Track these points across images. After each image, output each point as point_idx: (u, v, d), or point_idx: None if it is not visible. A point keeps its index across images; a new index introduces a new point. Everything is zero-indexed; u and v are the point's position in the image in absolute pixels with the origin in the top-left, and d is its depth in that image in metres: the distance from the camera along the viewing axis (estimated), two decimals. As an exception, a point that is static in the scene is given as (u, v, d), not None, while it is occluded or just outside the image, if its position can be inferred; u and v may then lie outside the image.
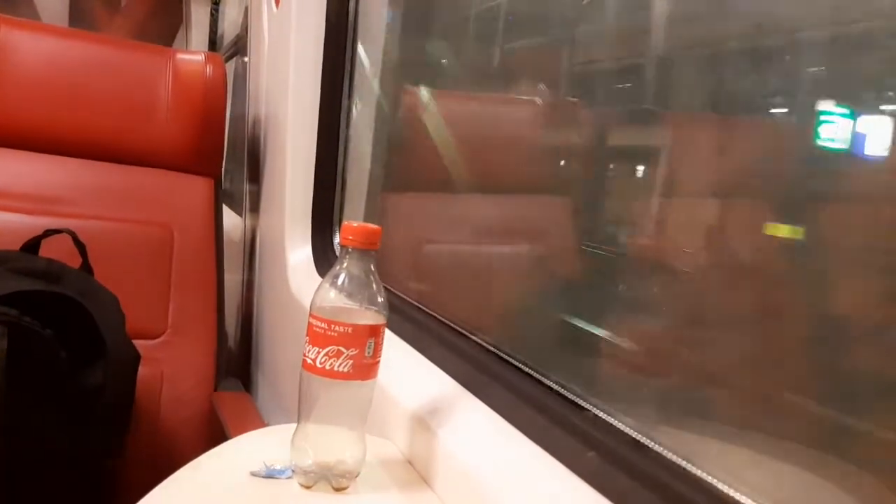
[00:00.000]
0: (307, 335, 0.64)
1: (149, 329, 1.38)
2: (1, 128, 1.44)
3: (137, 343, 1.22)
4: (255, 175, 1.70)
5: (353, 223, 0.64)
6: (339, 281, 0.64)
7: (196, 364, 1.42)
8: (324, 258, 1.32)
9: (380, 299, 0.65)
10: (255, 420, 1.31)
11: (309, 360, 0.63)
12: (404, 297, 1.04)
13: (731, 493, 0.48)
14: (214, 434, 1.33)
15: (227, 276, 1.61)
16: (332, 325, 0.62)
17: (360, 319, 0.63)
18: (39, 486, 1.00)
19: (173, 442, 1.34)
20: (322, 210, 1.35)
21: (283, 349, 1.41)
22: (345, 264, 0.65)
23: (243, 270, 1.77)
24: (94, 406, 1.05)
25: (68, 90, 1.48)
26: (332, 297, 0.64)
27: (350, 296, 0.64)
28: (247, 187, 1.76)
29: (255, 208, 1.70)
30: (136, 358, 1.18)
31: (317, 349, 0.63)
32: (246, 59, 1.90)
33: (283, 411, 1.34)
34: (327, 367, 0.63)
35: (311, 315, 0.64)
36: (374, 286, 0.65)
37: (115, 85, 1.51)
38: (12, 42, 1.46)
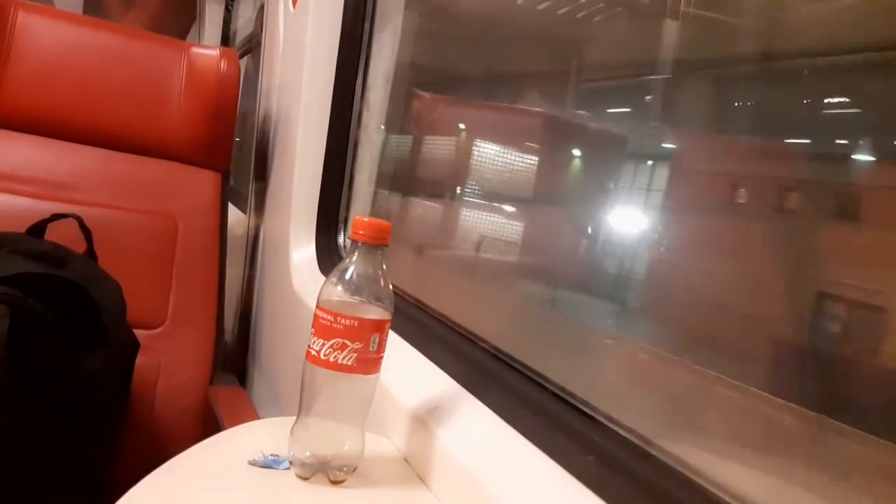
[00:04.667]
0: (312, 327, 0.64)
1: (149, 319, 1.38)
2: (12, 111, 1.45)
3: (136, 332, 1.23)
4: (262, 172, 1.70)
5: (364, 218, 0.65)
6: (348, 275, 0.65)
7: (193, 356, 1.42)
8: (327, 257, 1.32)
9: (387, 295, 0.66)
10: (250, 415, 1.31)
11: (313, 352, 0.64)
12: (406, 296, 1.04)
13: (727, 498, 0.48)
14: (209, 427, 1.33)
15: (227, 272, 1.62)
16: (339, 318, 0.63)
17: (367, 314, 0.64)
18: (34, 469, 1.00)
19: (167, 433, 1.34)
20: (328, 209, 1.35)
21: (282, 346, 1.41)
22: (354, 258, 0.65)
23: (244, 267, 1.77)
24: (92, 391, 1.05)
25: (82, 78, 1.49)
26: (340, 291, 0.65)
27: (357, 290, 0.65)
28: (252, 184, 1.77)
29: (259, 205, 1.71)
30: (135, 346, 1.19)
31: (322, 341, 0.63)
32: (258, 56, 1.91)
33: (278, 408, 1.34)
34: (331, 360, 0.63)
35: (317, 307, 0.64)
36: (382, 282, 0.66)
37: (128, 75, 1.52)
38: (28, 26, 1.47)
